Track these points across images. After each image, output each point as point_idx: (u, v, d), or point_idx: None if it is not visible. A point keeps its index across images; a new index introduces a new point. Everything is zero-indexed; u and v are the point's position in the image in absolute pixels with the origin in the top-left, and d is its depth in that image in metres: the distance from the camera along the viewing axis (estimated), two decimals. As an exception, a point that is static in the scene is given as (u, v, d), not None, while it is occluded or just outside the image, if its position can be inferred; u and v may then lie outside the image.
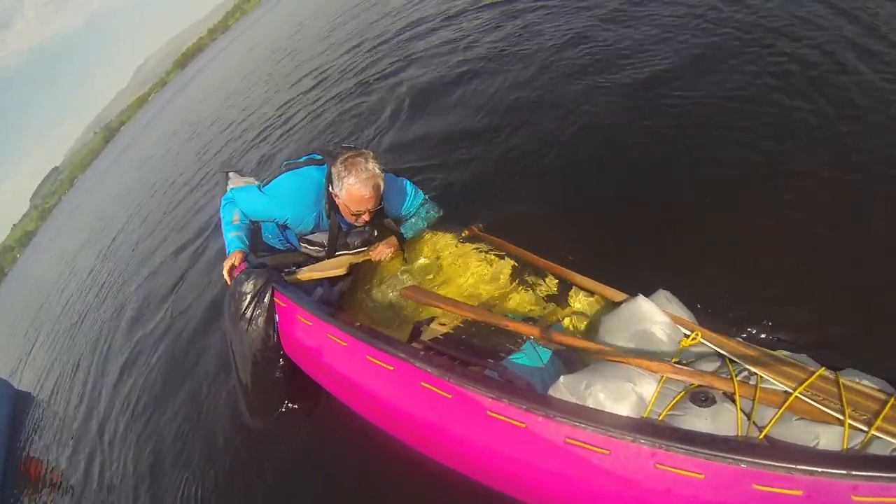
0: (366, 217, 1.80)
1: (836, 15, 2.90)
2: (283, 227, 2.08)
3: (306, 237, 2.01)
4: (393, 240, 1.99)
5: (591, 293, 1.63)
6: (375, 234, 2.01)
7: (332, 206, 1.85)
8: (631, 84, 3.37)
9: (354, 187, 1.71)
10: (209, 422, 2.00)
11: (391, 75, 5.09)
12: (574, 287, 1.69)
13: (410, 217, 2.07)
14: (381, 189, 1.76)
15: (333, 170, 1.76)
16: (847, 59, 2.53)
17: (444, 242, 2.10)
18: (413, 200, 2.04)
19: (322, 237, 1.98)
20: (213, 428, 1.92)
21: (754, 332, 1.29)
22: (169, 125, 18.71)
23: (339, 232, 1.93)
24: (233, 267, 1.89)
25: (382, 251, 1.96)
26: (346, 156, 1.73)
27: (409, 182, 2.06)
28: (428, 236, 2.16)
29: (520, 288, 1.84)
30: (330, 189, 1.80)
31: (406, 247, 2.05)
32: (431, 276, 1.96)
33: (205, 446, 1.87)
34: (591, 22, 4.53)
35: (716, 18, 3.64)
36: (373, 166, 1.73)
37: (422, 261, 2.07)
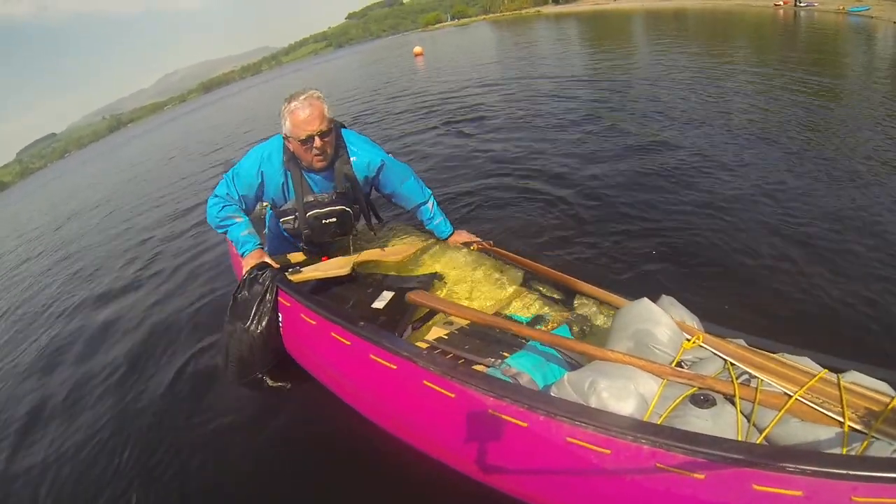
0: (318, 143, 1.74)
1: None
2: (273, 211, 2.03)
3: (281, 210, 1.94)
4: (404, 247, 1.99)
5: (596, 300, 1.64)
6: (348, 183, 1.91)
7: (291, 158, 1.82)
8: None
9: (296, 111, 1.71)
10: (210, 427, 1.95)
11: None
12: (579, 294, 1.71)
13: (412, 191, 2.07)
14: (324, 111, 1.75)
15: (281, 115, 1.77)
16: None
17: (455, 256, 2.13)
18: (392, 160, 2.01)
19: (293, 203, 1.91)
20: (213, 431, 1.88)
21: (756, 335, 1.29)
22: (175, 137, 18.80)
23: (302, 181, 1.85)
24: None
25: (399, 250, 1.95)
26: None
27: None
28: (438, 249, 2.19)
29: (527, 295, 1.87)
30: (284, 139, 1.80)
31: (416, 255, 2.06)
32: (441, 290, 1.97)
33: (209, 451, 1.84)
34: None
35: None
36: (312, 92, 1.75)
37: (430, 271, 2.10)
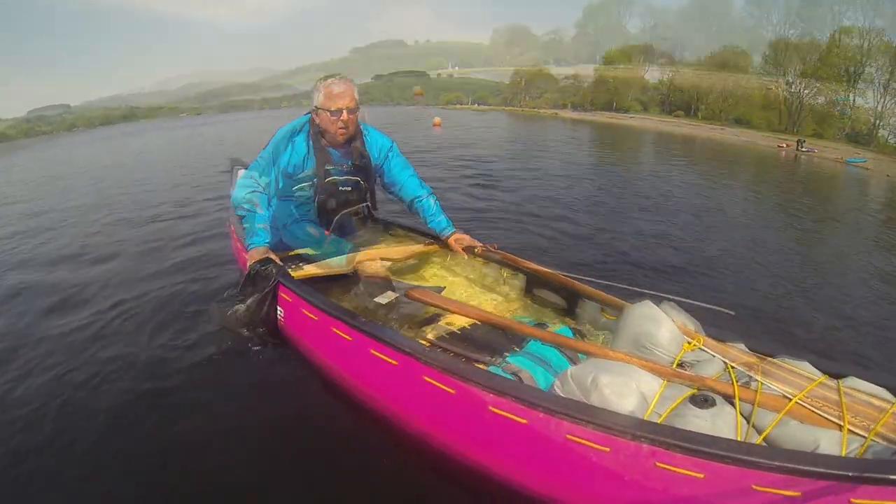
0: (344, 116, 1.89)
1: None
2: (287, 179, 2.09)
3: (297, 178, 2.05)
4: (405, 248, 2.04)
5: (599, 302, 1.65)
6: (363, 160, 2.05)
7: (317, 132, 1.97)
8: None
9: (331, 85, 1.88)
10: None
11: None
12: (582, 296, 1.72)
13: (413, 183, 2.15)
14: (354, 93, 1.92)
15: (315, 90, 1.92)
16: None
17: (458, 260, 2.14)
18: (399, 150, 2.15)
19: (313, 169, 2.04)
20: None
21: (756, 339, 1.30)
22: (176, 137, 18.79)
23: (324, 152, 2.00)
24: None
25: (400, 251, 1.99)
26: None
27: None
28: (440, 252, 2.21)
29: (530, 297, 1.88)
30: (313, 114, 1.94)
31: (418, 257, 2.10)
32: (444, 292, 1.98)
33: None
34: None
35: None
36: (345, 76, 1.93)
37: (436, 273, 2.12)
